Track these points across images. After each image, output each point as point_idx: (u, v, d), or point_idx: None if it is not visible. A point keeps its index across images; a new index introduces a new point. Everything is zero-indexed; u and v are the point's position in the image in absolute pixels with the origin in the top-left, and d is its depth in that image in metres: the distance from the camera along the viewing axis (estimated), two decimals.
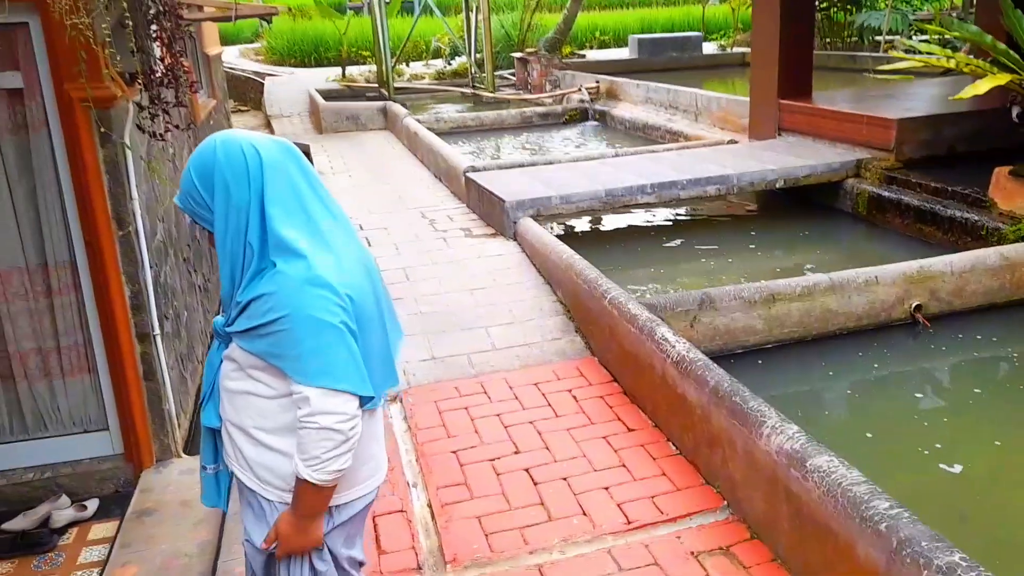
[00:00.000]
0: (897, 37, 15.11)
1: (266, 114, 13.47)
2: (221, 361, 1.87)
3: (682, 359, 3.47)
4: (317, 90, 13.81)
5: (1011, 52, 5.86)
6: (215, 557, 3.01)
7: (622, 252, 6.52)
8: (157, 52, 3.77)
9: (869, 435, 3.85)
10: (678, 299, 4.53)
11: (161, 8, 3.63)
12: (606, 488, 3.23)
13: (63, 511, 3.31)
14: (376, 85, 15.09)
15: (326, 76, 16.95)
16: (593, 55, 19.58)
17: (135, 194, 3.39)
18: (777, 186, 6.96)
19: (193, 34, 6.25)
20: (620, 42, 22.92)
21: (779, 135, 8.33)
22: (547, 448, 3.53)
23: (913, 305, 4.81)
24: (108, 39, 3.13)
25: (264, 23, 11.32)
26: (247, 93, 16.42)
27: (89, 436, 3.55)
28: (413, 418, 3.80)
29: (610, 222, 7.42)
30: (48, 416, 3.51)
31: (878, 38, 15.73)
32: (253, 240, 1.70)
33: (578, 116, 12.93)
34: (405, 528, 3.03)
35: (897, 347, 4.70)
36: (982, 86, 5.61)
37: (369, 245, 6.13)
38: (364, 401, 1.76)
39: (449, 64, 18.77)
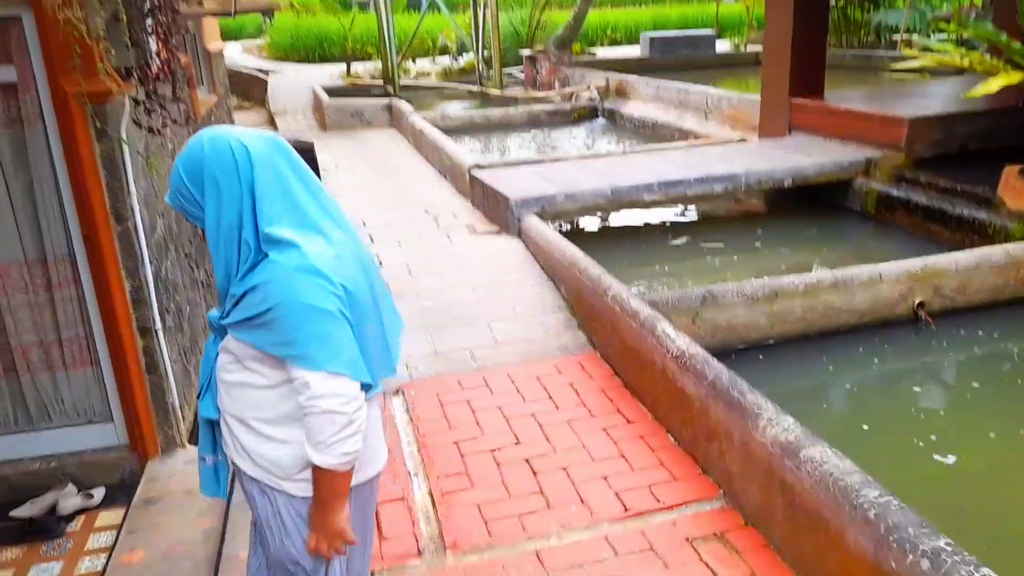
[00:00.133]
0: (915, 35, 15.02)
1: (270, 111, 13.49)
2: (217, 354, 1.89)
3: (682, 354, 3.50)
4: (321, 87, 13.81)
5: None
6: (219, 544, 3.05)
7: (628, 250, 6.54)
8: (153, 47, 3.78)
9: (866, 427, 3.87)
10: (680, 295, 4.55)
11: (156, 2, 3.62)
12: (605, 478, 3.27)
13: (70, 499, 3.34)
14: (381, 82, 15.06)
15: (330, 73, 16.91)
16: (604, 53, 19.52)
17: (133, 189, 3.39)
18: (785, 184, 6.96)
19: (190, 29, 6.26)
20: (632, 40, 22.89)
21: (790, 133, 8.31)
22: (547, 439, 3.57)
23: (916, 302, 4.82)
24: (102, 33, 3.12)
25: (267, 19, 11.31)
26: (251, 90, 16.33)
27: (94, 427, 3.57)
28: (415, 410, 3.84)
29: (616, 220, 7.43)
30: (52, 408, 3.54)
31: (895, 36, 15.64)
32: (247, 234, 1.72)
33: (587, 114, 12.91)
34: (406, 515, 3.07)
35: (899, 343, 4.71)
36: (994, 84, 5.61)
37: (372, 242, 6.17)
38: (362, 387, 1.78)
39: (456, 61, 18.73)
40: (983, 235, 5.65)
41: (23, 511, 3.27)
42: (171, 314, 3.93)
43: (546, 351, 4.42)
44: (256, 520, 1.96)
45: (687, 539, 2.89)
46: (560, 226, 7.16)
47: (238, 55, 22.79)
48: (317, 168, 9.20)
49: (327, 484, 1.78)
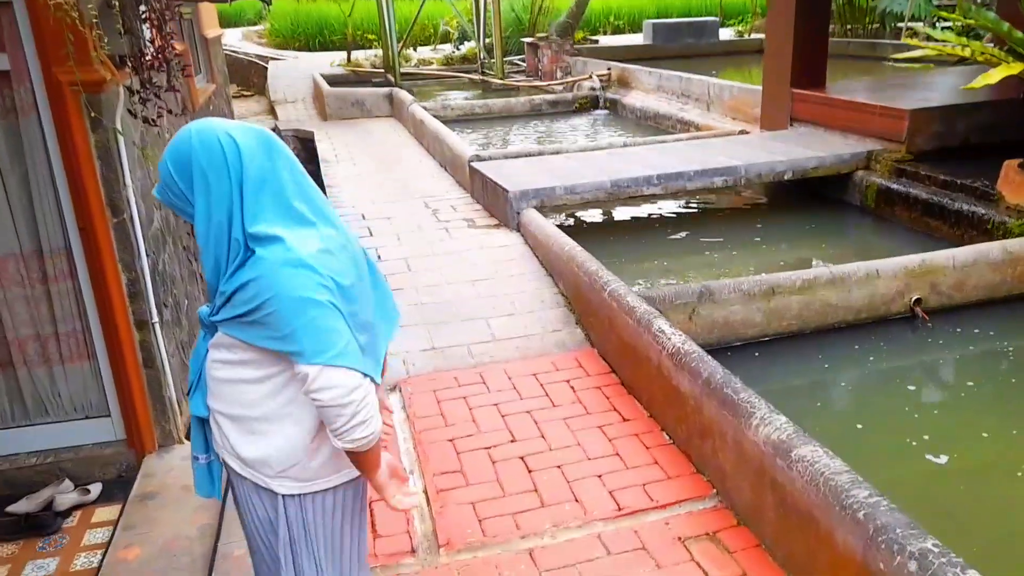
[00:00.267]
0: (920, 24, 14.91)
1: (270, 99, 13.43)
2: (207, 351, 1.88)
3: (677, 351, 3.50)
4: (322, 75, 13.73)
5: None
6: (215, 540, 3.07)
7: (627, 244, 6.53)
8: (147, 34, 3.74)
9: (859, 426, 3.88)
10: (677, 291, 4.55)
11: None
12: (599, 476, 3.29)
13: (66, 495, 3.36)
14: (382, 70, 14.98)
15: (331, 60, 16.74)
16: (606, 40, 19.40)
17: (129, 180, 3.37)
18: (785, 178, 6.93)
19: (185, 15, 6.21)
20: (635, 27, 22.73)
21: (791, 125, 8.27)
22: (543, 437, 3.58)
23: (913, 299, 4.82)
24: (95, 20, 3.09)
25: (266, 5, 11.20)
26: (250, 77, 16.22)
27: (91, 422, 3.58)
28: (411, 407, 3.85)
29: (617, 214, 7.42)
30: (49, 402, 3.54)
31: (900, 25, 15.51)
32: (236, 231, 1.70)
33: (589, 104, 12.87)
34: (400, 513, 3.08)
35: (895, 341, 4.71)
36: (995, 75, 5.55)
37: (370, 235, 6.17)
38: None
39: (458, 49, 18.61)
40: (982, 230, 5.63)
41: (19, 507, 3.28)
42: (169, 308, 3.93)
43: (543, 347, 4.43)
44: (241, 518, 1.97)
45: (679, 538, 2.90)
46: (561, 219, 7.15)
47: (237, 42, 22.61)
48: (317, 158, 9.19)
49: (361, 460, 1.83)
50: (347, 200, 7.19)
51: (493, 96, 13.89)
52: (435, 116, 10.09)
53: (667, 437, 3.55)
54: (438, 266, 5.49)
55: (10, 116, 3.23)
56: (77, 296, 3.47)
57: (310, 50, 20.99)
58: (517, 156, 7.77)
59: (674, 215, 7.30)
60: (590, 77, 13.12)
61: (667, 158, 7.13)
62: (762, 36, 13.70)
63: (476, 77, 15.63)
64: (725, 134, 8.74)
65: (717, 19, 18.73)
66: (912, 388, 4.34)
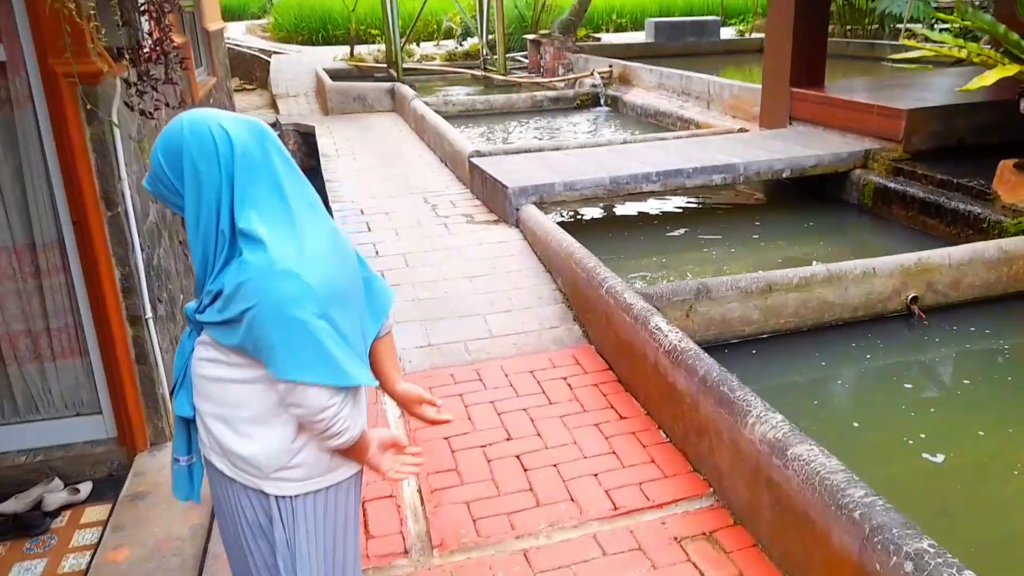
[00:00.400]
0: (919, 25, 14.91)
1: (272, 93, 13.41)
2: (193, 348, 1.84)
3: (674, 348, 3.48)
4: (324, 69, 13.70)
5: (1022, 43, 5.79)
6: (206, 540, 3.03)
7: (626, 240, 6.52)
8: (146, 26, 3.70)
9: (856, 424, 3.86)
10: (674, 289, 4.53)
11: None
12: (595, 475, 3.26)
13: (56, 494, 3.30)
14: (385, 65, 14.97)
15: (334, 55, 16.72)
16: (609, 38, 19.42)
17: (124, 174, 3.33)
18: (784, 176, 6.93)
19: (186, 8, 6.17)
20: (637, 25, 22.76)
21: (790, 124, 8.28)
22: (539, 435, 3.56)
23: (909, 297, 4.80)
24: (93, 12, 3.06)
25: None
26: (253, 71, 16.16)
27: (82, 419, 3.53)
28: None
29: (616, 210, 7.41)
30: (40, 399, 3.49)
31: (899, 26, 15.52)
32: (224, 226, 1.67)
33: (590, 101, 12.86)
34: (394, 513, 3.06)
35: (891, 338, 4.70)
36: (990, 77, 5.55)
37: (369, 230, 6.15)
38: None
39: (460, 45, 18.62)
40: (978, 229, 5.62)
41: (7, 506, 3.21)
42: (163, 303, 3.90)
43: (540, 344, 4.41)
44: (223, 522, 1.94)
45: (675, 538, 2.88)
46: (560, 215, 7.13)
47: (241, 35, 22.58)
48: (317, 152, 9.17)
49: (349, 454, 1.86)
50: (346, 195, 7.16)
51: (495, 92, 13.87)
52: (436, 111, 10.06)
53: (664, 435, 3.53)
54: (436, 262, 5.47)
55: (5, 107, 3.18)
56: (70, 291, 3.41)
57: (313, 44, 20.96)
58: (517, 152, 7.75)
59: (673, 212, 7.28)
60: (591, 74, 13.11)
61: (667, 155, 7.11)
62: (763, 36, 13.71)
63: (478, 73, 15.60)
64: (724, 132, 8.73)
65: (718, 18, 18.75)
66: (909, 386, 4.33)
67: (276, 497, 1.84)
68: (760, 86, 8.88)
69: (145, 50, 3.61)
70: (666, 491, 3.15)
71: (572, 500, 3.11)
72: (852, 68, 12.67)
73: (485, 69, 15.75)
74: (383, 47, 16.05)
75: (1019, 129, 6.36)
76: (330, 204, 6.86)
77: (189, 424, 1.94)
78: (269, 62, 15.56)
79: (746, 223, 6.80)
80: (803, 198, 7.25)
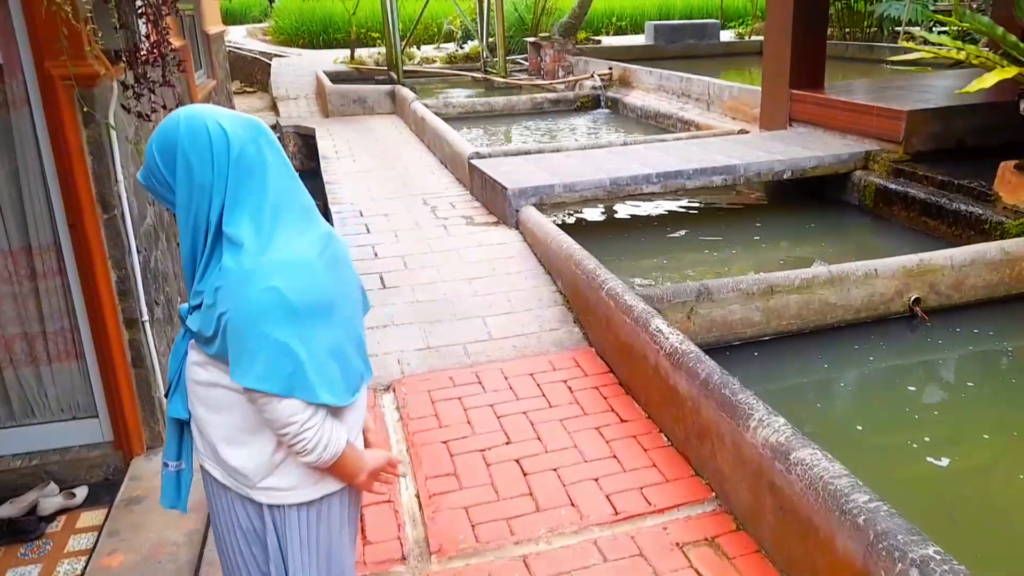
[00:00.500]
0: (917, 28, 14.90)
1: (272, 96, 13.40)
2: (186, 350, 1.81)
3: (675, 351, 3.45)
4: (325, 72, 13.69)
5: (1021, 45, 5.77)
6: (201, 546, 3.00)
7: (627, 242, 6.49)
8: (143, 29, 3.70)
9: (859, 427, 3.83)
10: (675, 290, 4.50)
11: None
12: (596, 479, 3.23)
13: (51, 499, 3.27)
14: (385, 68, 14.97)
15: (334, 58, 16.75)
16: (608, 41, 19.42)
17: (120, 176, 3.32)
18: (784, 177, 6.90)
19: (186, 12, 6.15)
20: (637, 28, 22.79)
21: (790, 125, 8.26)
22: (539, 439, 3.52)
23: (912, 298, 4.77)
24: (89, 14, 3.05)
25: (271, 1, 11.18)
26: (254, 74, 16.19)
27: (78, 423, 3.51)
28: (405, 408, 3.79)
29: (617, 212, 7.38)
30: (36, 403, 3.47)
31: (897, 28, 15.52)
32: (213, 226, 1.64)
33: (590, 103, 12.86)
34: (392, 518, 3.02)
35: (894, 340, 4.67)
36: (989, 79, 5.55)
37: (368, 232, 6.11)
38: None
39: (461, 48, 18.63)
40: (979, 230, 5.60)
41: (2, 511, 3.18)
42: (160, 306, 3.87)
43: (541, 346, 4.38)
44: (215, 527, 1.91)
45: (677, 544, 2.84)
46: (560, 218, 7.10)
47: (242, 38, 22.62)
48: (317, 154, 9.14)
49: (332, 472, 1.80)
50: (346, 197, 7.13)
51: (495, 94, 13.85)
52: (437, 114, 10.05)
53: (665, 439, 3.50)
54: (435, 263, 5.44)
55: (1, 110, 3.17)
56: (66, 294, 3.40)
57: (314, 47, 20.99)
58: (517, 154, 7.72)
59: (674, 213, 7.25)
60: (591, 76, 13.10)
61: (667, 157, 7.08)
62: (762, 38, 13.72)
63: (479, 76, 15.60)
64: (724, 133, 8.71)
65: (717, 21, 18.76)
66: (912, 389, 4.29)
67: (268, 506, 1.80)
68: (760, 88, 8.88)
69: (142, 53, 3.59)
70: (668, 496, 3.11)
71: (572, 505, 3.07)
72: (851, 70, 12.66)
73: (485, 72, 15.74)
74: (383, 50, 16.05)
75: (1019, 130, 6.35)
76: (329, 206, 6.84)
77: (182, 428, 1.91)
78: (270, 65, 15.57)
79: (747, 224, 6.77)
80: (804, 199, 7.23)
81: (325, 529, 1.86)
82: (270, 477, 1.77)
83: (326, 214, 6.80)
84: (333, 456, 1.74)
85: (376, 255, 5.61)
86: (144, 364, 3.53)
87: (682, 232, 6.65)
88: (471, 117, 12.15)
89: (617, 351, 4.07)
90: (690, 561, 2.76)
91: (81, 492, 3.36)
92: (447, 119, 10.02)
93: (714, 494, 3.10)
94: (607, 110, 12.61)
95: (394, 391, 3.96)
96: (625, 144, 8.26)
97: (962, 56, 6.09)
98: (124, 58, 3.49)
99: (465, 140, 8.17)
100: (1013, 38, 5.80)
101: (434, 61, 17.46)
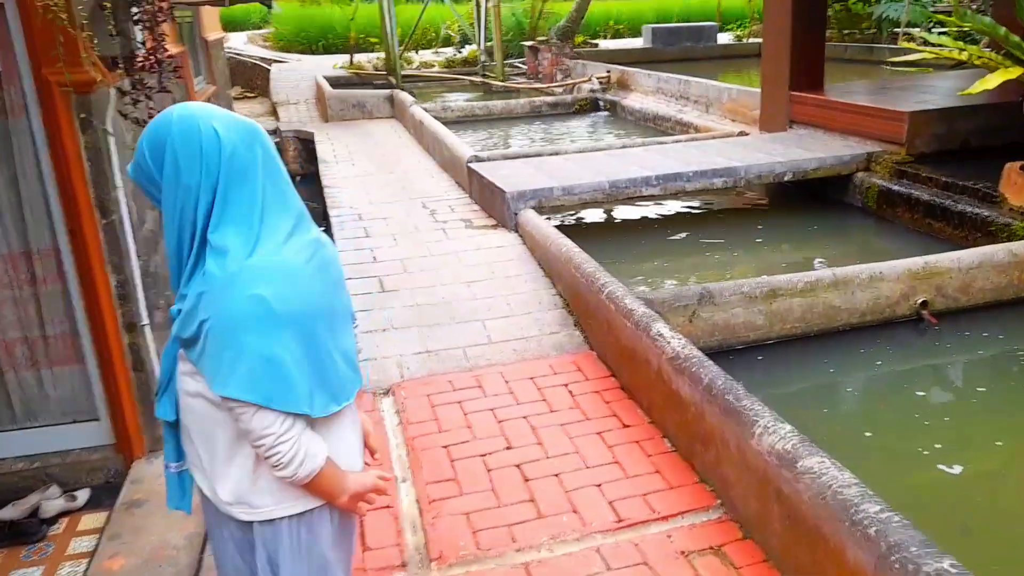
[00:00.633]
0: (916, 29, 14.89)
1: (272, 101, 13.39)
2: (177, 356, 1.74)
3: (677, 355, 3.41)
4: (324, 77, 13.70)
5: (1023, 44, 5.75)
6: (201, 550, 2.99)
7: (626, 245, 6.46)
8: (139, 35, 3.70)
9: (868, 434, 3.79)
10: (677, 294, 4.47)
11: None
12: (598, 485, 3.18)
13: (53, 501, 3.28)
14: (384, 72, 14.98)
15: (333, 63, 16.78)
16: (606, 44, 19.44)
17: (119, 182, 3.32)
18: (785, 179, 6.88)
19: (185, 19, 6.14)
20: (635, 31, 22.78)
21: (790, 127, 8.24)
22: (540, 444, 3.49)
23: (919, 302, 4.73)
24: (86, 21, 3.06)
25: (270, 8, 11.19)
26: (254, 80, 16.27)
27: (79, 426, 3.51)
28: (405, 412, 3.75)
29: (618, 214, 7.35)
30: (37, 406, 3.48)
31: (896, 30, 15.51)
32: (199, 228, 1.59)
33: (588, 106, 12.85)
34: (391, 524, 2.99)
35: (901, 344, 4.63)
36: (992, 80, 5.52)
37: (367, 235, 6.08)
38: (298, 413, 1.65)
39: (459, 52, 18.63)
40: (985, 232, 5.57)
41: (4, 514, 3.20)
42: (160, 310, 3.87)
43: (541, 350, 4.34)
44: (209, 533, 1.87)
45: (682, 552, 2.80)
46: (561, 220, 7.07)
47: (242, 45, 22.70)
48: (316, 159, 9.11)
49: (309, 489, 1.73)
50: (345, 201, 7.10)
51: (493, 98, 13.84)
52: (435, 117, 10.02)
53: (669, 444, 3.45)
54: (434, 267, 5.40)
55: (0, 117, 3.19)
56: (66, 298, 3.42)
57: (313, 53, 21.05)
58: (515, 157, 7.70)
59: (674, 216, 7.22)
60: (589, 79, 13.09)
61: (666, 159, 7.06)
62: (760, 41, 13.72)
63: (477, 79, 15.60)
64: (724, 135, 8.68)
65: (715, 24, 18.75)
66: (921, 393, 4.25)
67: (247, 523, 1.76)
68: (759, 90, 8.86)
69: (138, 59, 3.59)
70: (672, 503, 3.06)
71: (575, 512, 3.03)
72: (850, 72, 12.64)
73: (484, 75, 15.73)
74: (382, 55, 16.05)
75: (1023, 131, 6.32)
76: (328, 210, 6.81)
77: (176, 430, 1.85)
78: (269, 70, 15.57)
79: (749, 227, 6.74)
80: (805, 201, 7.20)
81: (317, 541, 1.80)
82: (252, 495, 1.73)
83: (325, 218, 6.77)
84: (310, 472, 1.68)
85: (375, 259, 5.57)
86: (144, 368, 3.54)
87: (683, 235, 6.63)
88: (469, 121, 12.14)
89: (619, 355, 4.03)
90: (696, 570, 2.72)
91: (83, 495, 3.37)
92: (445, 123, 9.98)
93: (719, 501, 3.05)
94: (606, 113, 12.60)
95: (393, 395, 3.92)
96: (624, 147, 8.24)
97: (964, 57, 6.07)
98: (120, 64, 3.48)
99: (464, 144, 8.14)
100: (1016, 38, 5.78)
101: (432, 65, 17.46)
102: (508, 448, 3.46)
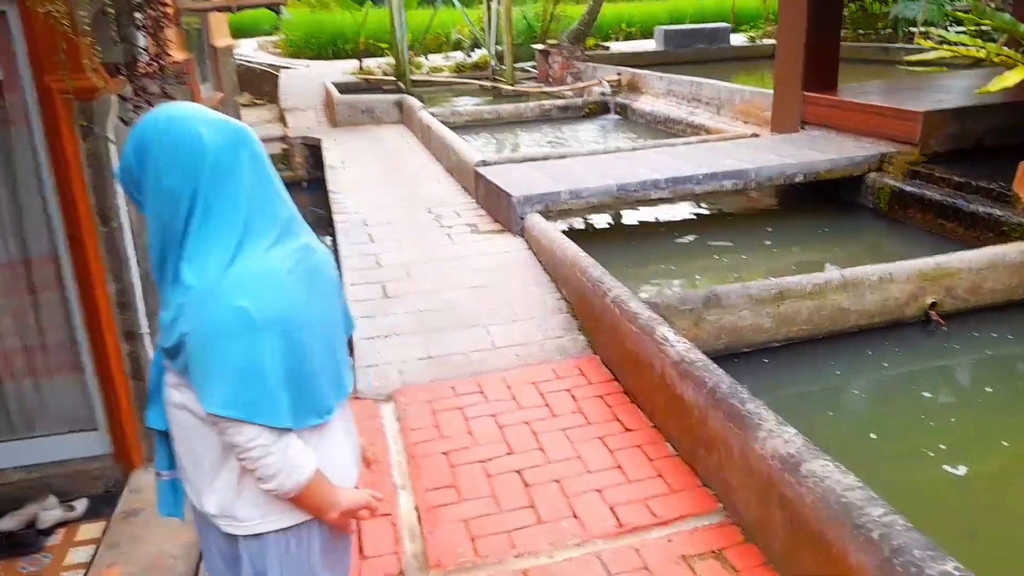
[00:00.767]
0: (933, 28, 14.75)
1: (280, 108, 13.44)
2: (164, 366, 1.72)
3: (681, 359, 3.37)
4: (333, 83, 13.71)
5: None
6: (198, 559, 2.97)
7: (634, 248, 6.41)
8: (142, 42, 3.69)
9: (873, 436, 3.73)
10: (683, 297, 4.42)
11: None
12: (599, 490, 3.15)
13: (50, 511, 3.26)
14: (393, 78, 14.99)
15: (343, 69, 16.81)
16: (618, 47, 19.36)
17: (119, 189, 3.30)
18: (796, 181, 6.80)
19: (192, 26, 6.16)
20: (647, 34, 22.66)
21: (802, 128, 8.16)
22: (541, 449, 3.45)
23: (928, 303, 4.66)
24: (88, 28, 3.04)
25: (278, 15, 11.24)
26: (263, 86, 16.28)
27: (78, 436, 3.49)
28: (405, 418, 3.72)
29: (625, 217, 7.30)
30: (35, 415, 3.46)
31: (912, 29, 15.37)
32: (179, 233, 1.56)
33: (599, 109, 12.78)
34: (390, 532, 2.96)
35: (910, 346, 4.56)
36: (1011, 78, 5.44)
37: (371, 240, 6.07)
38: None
39: (469, 57, 18.62)
40: (998, 232, 5.48)
41: (1, 525, 3.18)
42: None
43: (544, 354, 4.30)
44: (201, 544, 1.85)
45: (683, 557, 2.76)
46: (569, 223, 7.03)
47: (252, 52, 22.80)
48: (322, 164, 9.12)
49: (297, 504, 1.69)
50: (350, 206, 7.09)
51: (503, 102, 13.81)
52: (444, 122, 9.99)
53: (671, 448, 3.41)
54: (439, 272, 5.37)
55: (0, 124, 3.18)
56: (65, 306, 3.39)
57: (323, 59, 21.10)
58: (522, 161, 7.65)
59: (683, 219, 7.16)
60: (600, 83, 13.03)
61: (675, 161, 7.00)
62: (774, 42, 13.63)
63: (487, 84, 15.57)
64: (735, 137, 8.61)
65: (728, 25, 18.59)
66: (928, 395, 4.18)
67: (232, 536, 1.73)
68: (771, 91, 8.78)
69: (141, 65, 3.58)
70: (673, 507, 3.02)
71: (575, 517, 3.00)
72: (866, 72, 12.53)
73: (494, 80, 15.71)
74: (392, 60, 16.08)
75: None
76: (333, 216, 6.80)
77: (167, 437, 1.82)
78: (278, 77, 15.62)
79: (758, 229, 6.68)
80: (816, 203, 7.12)
81: (306, 556, 1.76)
82: (238, 507, 1.70)
83: (330, 224, 6.77)
84: (297, 485, 1.64)
85: (379, 264, 5.55)
86: (143, 377, 3.50)
87: (691, 238, 6.57)
88: (478, 125, 12.10)
89: (622, 359, 3.99)
90: (696, 574, 2.68)
91: (81, 505, 3.34)
92: (454, 127, 9.97)
93: (721, 505, 3.02)
94: (616, 116, 12.54)
95: (394, 402, 3.89)
96: (633, 149, 8.17)
97: (983, 54, 5.99)
98: (122, 71, 3.47)
99: (471, 148, 8.12)
100: None
101: (442, 70, 17.45)
102: (509, 454, 3.43)
